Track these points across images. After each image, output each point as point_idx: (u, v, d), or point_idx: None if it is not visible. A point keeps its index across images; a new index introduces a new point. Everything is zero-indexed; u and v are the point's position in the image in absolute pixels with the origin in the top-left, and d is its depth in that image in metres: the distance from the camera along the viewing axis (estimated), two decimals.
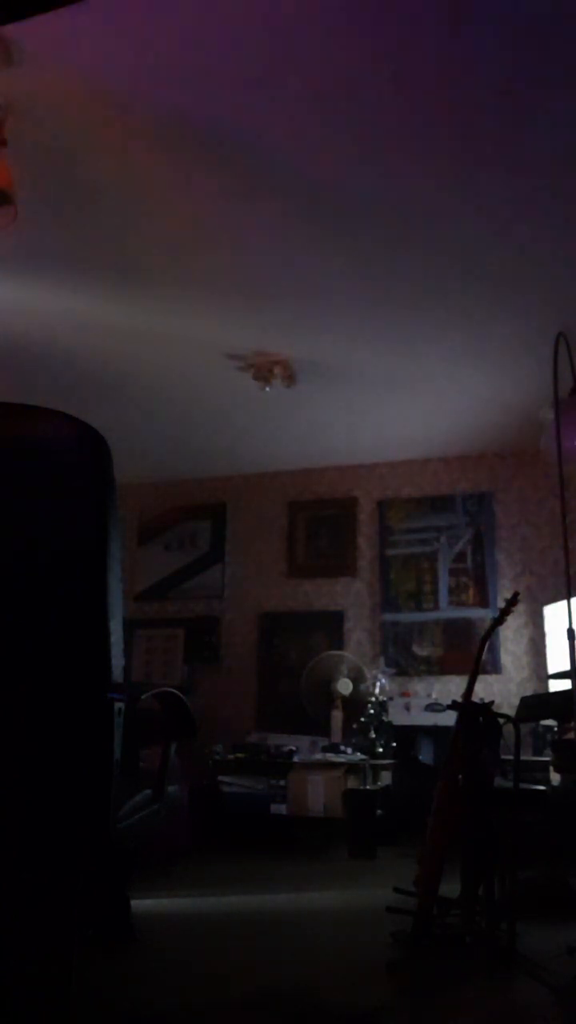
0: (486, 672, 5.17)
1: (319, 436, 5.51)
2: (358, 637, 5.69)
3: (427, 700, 5.04)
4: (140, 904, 2.88)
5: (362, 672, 5.29)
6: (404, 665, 5.48)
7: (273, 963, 2.49)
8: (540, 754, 4.35)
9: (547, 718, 4.05)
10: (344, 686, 5.19)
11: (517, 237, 3.30)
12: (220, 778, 4.84)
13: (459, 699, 2.82)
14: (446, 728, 3.58)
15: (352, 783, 4.62)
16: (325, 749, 4.95)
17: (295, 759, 4.84)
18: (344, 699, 5.17)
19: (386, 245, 3.37)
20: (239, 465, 6.11)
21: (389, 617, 5.64)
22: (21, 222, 3.02)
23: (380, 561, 5.77)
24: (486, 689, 5.10)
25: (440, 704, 4.81)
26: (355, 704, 5.15)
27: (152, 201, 3.12)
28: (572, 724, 3.76)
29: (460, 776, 2.64)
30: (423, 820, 2.72)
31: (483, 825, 2.55)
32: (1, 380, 4.49)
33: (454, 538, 5.65)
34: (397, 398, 4.88)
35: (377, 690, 5.11)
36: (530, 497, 5.57)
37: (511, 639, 5.34)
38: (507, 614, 2.98)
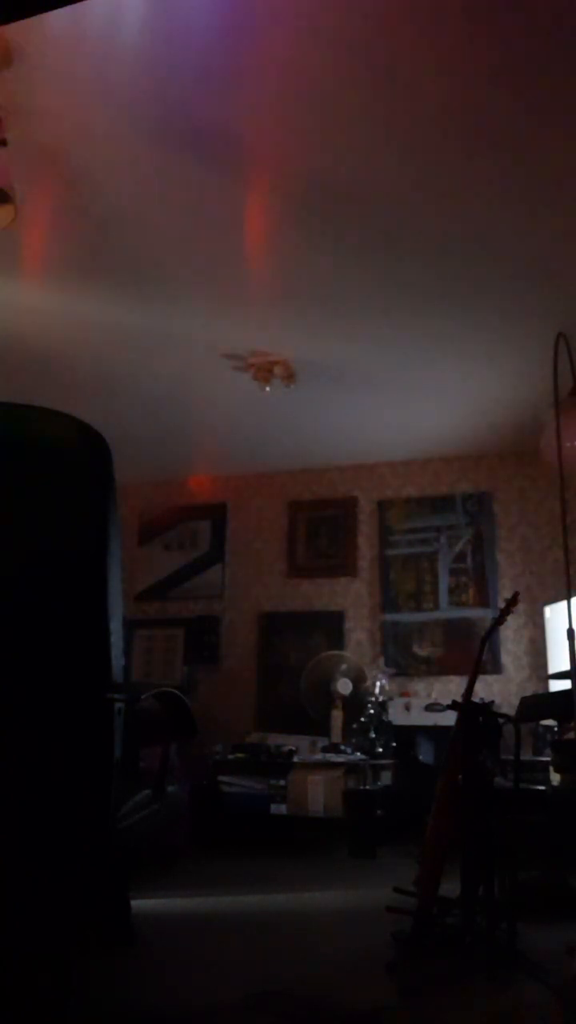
0: (486, 672, 5.16)
1: (319, 436, 5.51)
2: (358, 637, 5.69)
3: (427, 700, 5.04)
4: (140, 904, 2.88)
5: (362, 672, 5.29)
6: (404, 665, 5.48)
7: (273, 963, 2.48)
8: (540, 754, 4.34)
9: (547, 718, 4.05)
10: (344, 686, 5.19)
11: (517, 237, 3.29)
12: (220, 778, 4.84)
13: (459, 699, 2.82)
14: (446, 728, 3.57)
15: (352, 783, 4.62)
16: (325, 749, 4.95)
17: (295, 759, 4.84)
18: (344, 699, 5.17)
19: (386, 245, 3.37)
20: (239, 465, 6.11)
21: (389, 617, 5.63)
22: (21, 222, 3.02)
23: (380, 561, 5.77)
24: (486, 689, 5.10)
25: (440, 704, 4.78)
26: (355, 704, 5.15)
27: (151, 200, 3.13)
28: (572, 724, 3.76)
29: (460, 776, 2.64)
30: (423, 820, 2.72)
31: (483, 825, 2.55)
32: (1, 380, 4.49)
33: (454, 538, 5.64)
34: (397, 398, 4.88)
35: (377, 690, 5.11)
36: (530, 497, 5.57)
37: (511, 639, 5.34)
38: (507, 614, 2.98)
